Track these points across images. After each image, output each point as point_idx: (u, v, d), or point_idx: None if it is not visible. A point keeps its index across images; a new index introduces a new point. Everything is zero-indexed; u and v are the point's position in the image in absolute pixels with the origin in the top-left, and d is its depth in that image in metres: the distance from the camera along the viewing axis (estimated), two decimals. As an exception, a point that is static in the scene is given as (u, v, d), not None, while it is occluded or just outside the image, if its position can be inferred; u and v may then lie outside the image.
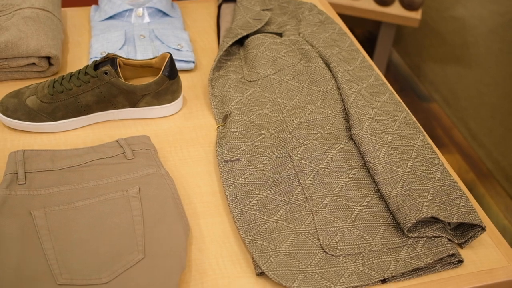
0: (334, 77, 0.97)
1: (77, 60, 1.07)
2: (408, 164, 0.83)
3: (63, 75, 0.89)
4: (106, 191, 0.76)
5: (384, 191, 0.78)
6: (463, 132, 2.32)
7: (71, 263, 0.67)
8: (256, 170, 0.83)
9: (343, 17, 2.45)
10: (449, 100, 2.41)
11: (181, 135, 0.92)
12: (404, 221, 0.73)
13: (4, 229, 0.69)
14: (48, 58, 1.00)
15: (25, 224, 0.70)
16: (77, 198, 0.75)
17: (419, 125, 0.94)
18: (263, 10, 1.18)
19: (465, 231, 0.76)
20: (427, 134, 2.31)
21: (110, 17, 1.14)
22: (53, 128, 0.89)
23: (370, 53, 2.77)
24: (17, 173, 0.76)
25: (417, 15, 2.11)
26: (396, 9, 2.13)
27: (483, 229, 0.75)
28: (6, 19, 1.01)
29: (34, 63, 0.99)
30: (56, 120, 0.88)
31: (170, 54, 0.91)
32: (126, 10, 1.14)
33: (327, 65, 1.00)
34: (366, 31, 2.95)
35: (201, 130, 0.93)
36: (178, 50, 1.06)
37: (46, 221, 0.71)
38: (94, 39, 1.08)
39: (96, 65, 0.89)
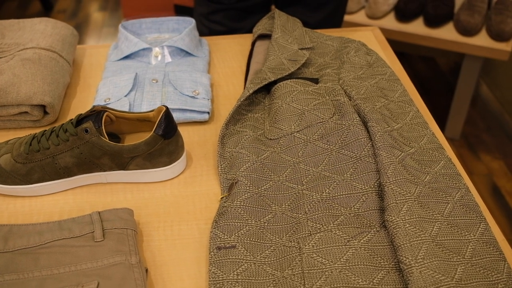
0: (371, 140, 0.77)
1: (82, 106, 0.94)
2: (458, 270, 0.61)
3: (44, 131, 0.76)
4: (59, 284, 0.61)
5: (420, 310, 0.57)
6: (562, 182, 1.97)
7: None
8: (254, 263, 0.65)
9: (423, 47, 2.20)
10: (546, 143, 2.07)
11: (175, 206, 0.75)
12: None
13: None
14: (43, 106, 0.88)
15: (-50, 326, 0.57)
16: (22, 292, 0.61)
17: (481, 207, 0.71)
18: (302, 49, 1.00)
19: None
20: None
21: (126, 57, 1.01)
22: (28, 192, 0.76)
23: (454, 86, 2.48)
24: (-42, 256, 0.63)
25: (507, 46, 1.83)
26: (482, 40, 1.86)
27: None
28: (5, 61, 0.91)
29: (27, 112, 0.87)
30: (31, 183, 0.75)
31: (166, 108, 0.75)
32: (144, 49, 1.00)
33: (365, 123, 0.80)
34: (452, 62, 2.67)
35: (200, 201, 0.76)
36: (193, 97, 0.90)
37: (-24, 324, 0.57)
38: (102, 83, 0.95)
39: (80, 120, 0.75)
